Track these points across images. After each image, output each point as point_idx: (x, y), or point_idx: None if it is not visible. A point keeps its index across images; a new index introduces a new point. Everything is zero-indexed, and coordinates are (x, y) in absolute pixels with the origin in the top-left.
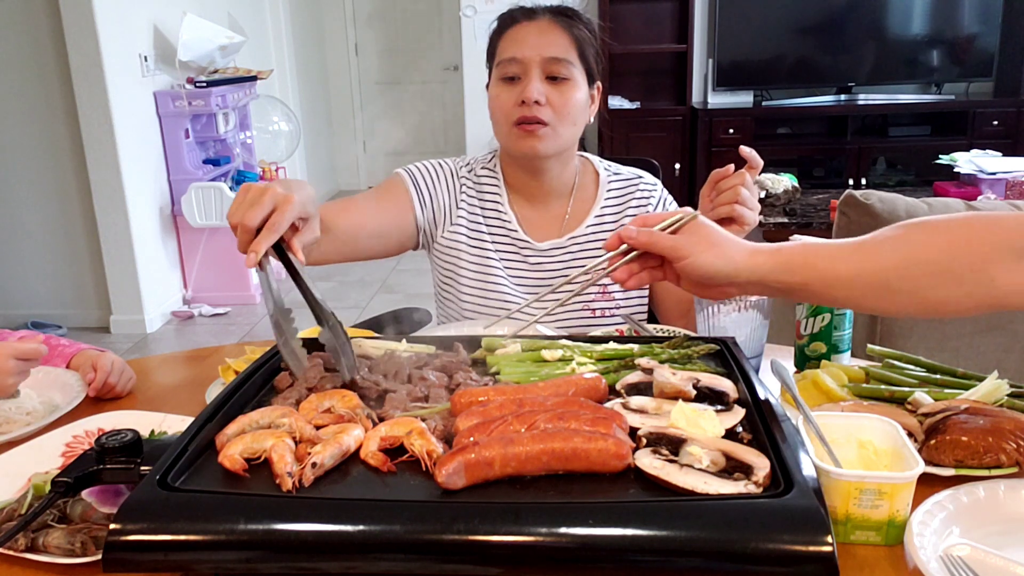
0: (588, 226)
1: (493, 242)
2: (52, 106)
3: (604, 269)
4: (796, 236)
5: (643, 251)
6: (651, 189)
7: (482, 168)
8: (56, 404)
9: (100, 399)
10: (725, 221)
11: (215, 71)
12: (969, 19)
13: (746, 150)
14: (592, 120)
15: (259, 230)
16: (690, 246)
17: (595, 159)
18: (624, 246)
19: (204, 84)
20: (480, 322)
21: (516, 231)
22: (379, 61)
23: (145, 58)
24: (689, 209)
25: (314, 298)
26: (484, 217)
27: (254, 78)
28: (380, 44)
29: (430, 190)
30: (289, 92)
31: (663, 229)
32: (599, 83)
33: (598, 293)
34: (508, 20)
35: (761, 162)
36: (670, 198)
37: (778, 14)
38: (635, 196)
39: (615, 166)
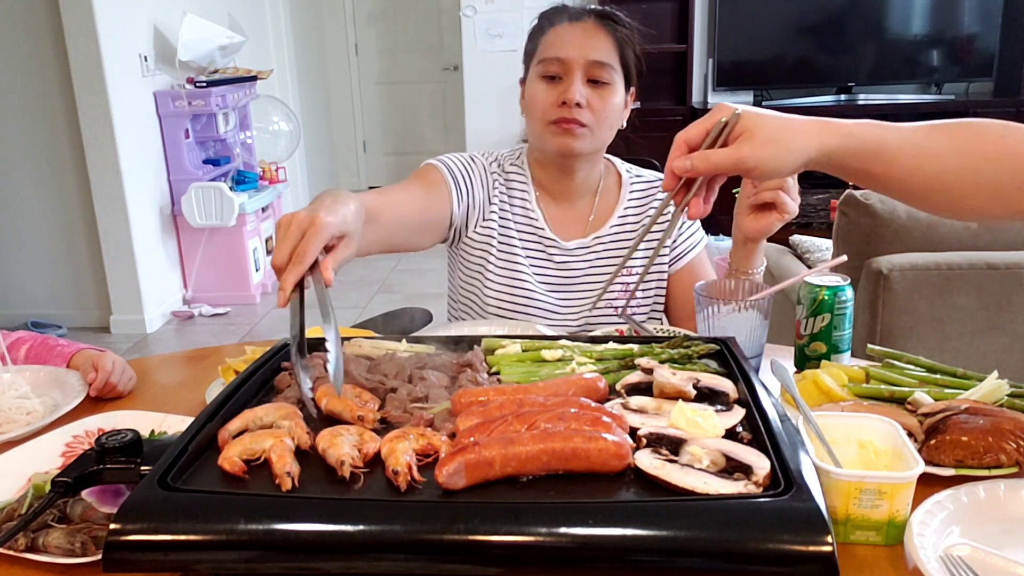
0: (612, 226)
1: (521, 240)
2: (52, 106)
3: (671, 214)
4: (796, 236)
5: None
6: None
7: (510, 165)
8: (56, 404)
9: (100, 399)
10: (767, 207)
11: (215, 71)
12: (969, 19)
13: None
14: (624, 124)
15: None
16: (753, 155)
17: (617, 161)
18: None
19: (204, 84)
20: (484, 321)
21: (543, 229)
22: (379, 61)
23: (145, 58)
24: (725, 104)
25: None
26: (512, 214)
27: (254, 78)
28: (380, 44)
29: (467, 183)
30: (289, 92)
31: (712, 143)
32: (634, 88)
33: (622, 292)
34: (552, 19)
35: None
36: None
37: (778, 14)
38: (656, 198)
39: (636, 168)
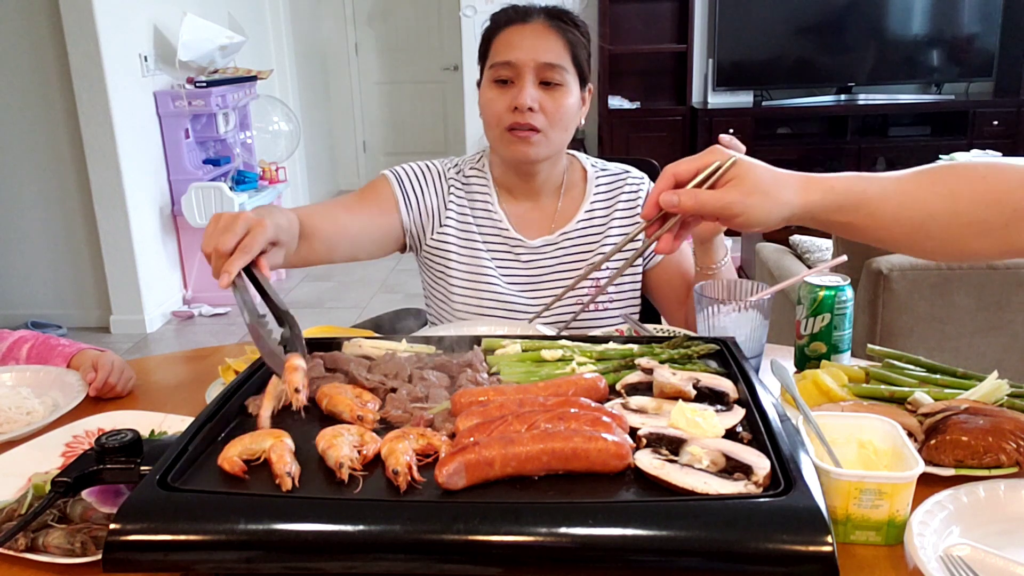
0: (578, 221)
1: (484, 242)
2: (52, 106)
3: (642, 241)
4: (796, 236)
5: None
6: (639, 182)
7: (471, 168)
8: (56, 404)
9: (100, 399)
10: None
11: (215, 71)
12: (969, 19)
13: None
14: (583, 122)
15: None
16: (740, 201)
17: (582, 156)
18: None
19: (204, 84)
20: (478, 321)
21: (507, 229)
22: (379, 61)
23: (145, 58)
24: (721, 148)
25: (277, 306)
26: (474, 217)
27: (254, 78)
28: (380, 44)
29: (417, 193)
30: (289, 92)
31: (701, 183)
32: (591, 85)
33: (591, 287)
34: (502, 21)
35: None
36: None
37: (778, 14)
38: (623, 191)
39: (602, 162)
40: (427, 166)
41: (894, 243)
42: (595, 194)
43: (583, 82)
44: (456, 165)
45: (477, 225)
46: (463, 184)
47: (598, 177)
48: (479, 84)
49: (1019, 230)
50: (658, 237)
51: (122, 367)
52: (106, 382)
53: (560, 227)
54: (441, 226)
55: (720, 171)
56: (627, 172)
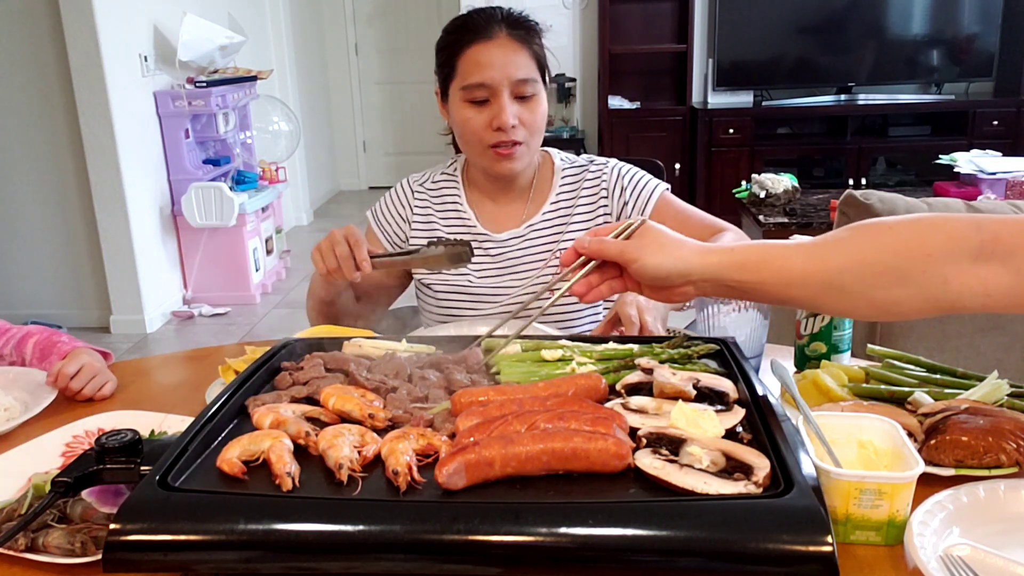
0: (544, 213)
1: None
2: (52, 106)
3: (562, 283)
4: (796, 236)
5: (598, 261)
6: (601, 165)
7: (440, 174)
8: (26, 404)
9: (93, 400)
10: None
11: (215, 71)
12: (969, 19)
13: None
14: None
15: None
16: (638, 249)
17: (553, 152)
18: (581, 258)
19: (204, 84)
20: (469, 322)
21: (475, 226)
22: (379, 61)
23: (145, 58)
24: (638, 217)
25: (416, 249)
26: (440, 217)
27: (254, 78)
28: (380, 44)
29: (388, 222)
30: (289, 92)
31: (616, 236)
32: (549, 72)
33: (555, 273)
34: (464, 38)
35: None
36: (627, 167)
37: (778, 14)
38: (586, 179)
39: (571, 157)
40: (396, 189)
41: (810, 302)
42: (561, 186)
43: (544, 78)
44: (425, 174)
45: (444, 225)
46: (429, 189)
47: (564, 170)
48: (438, 92)
49: (942, 278)
50: (575, 281)
51: (92, 372)
52: (68, 385)
53: (528, 220)
54: (411, 231)
55: (631, 228)
56: (591, 161)
